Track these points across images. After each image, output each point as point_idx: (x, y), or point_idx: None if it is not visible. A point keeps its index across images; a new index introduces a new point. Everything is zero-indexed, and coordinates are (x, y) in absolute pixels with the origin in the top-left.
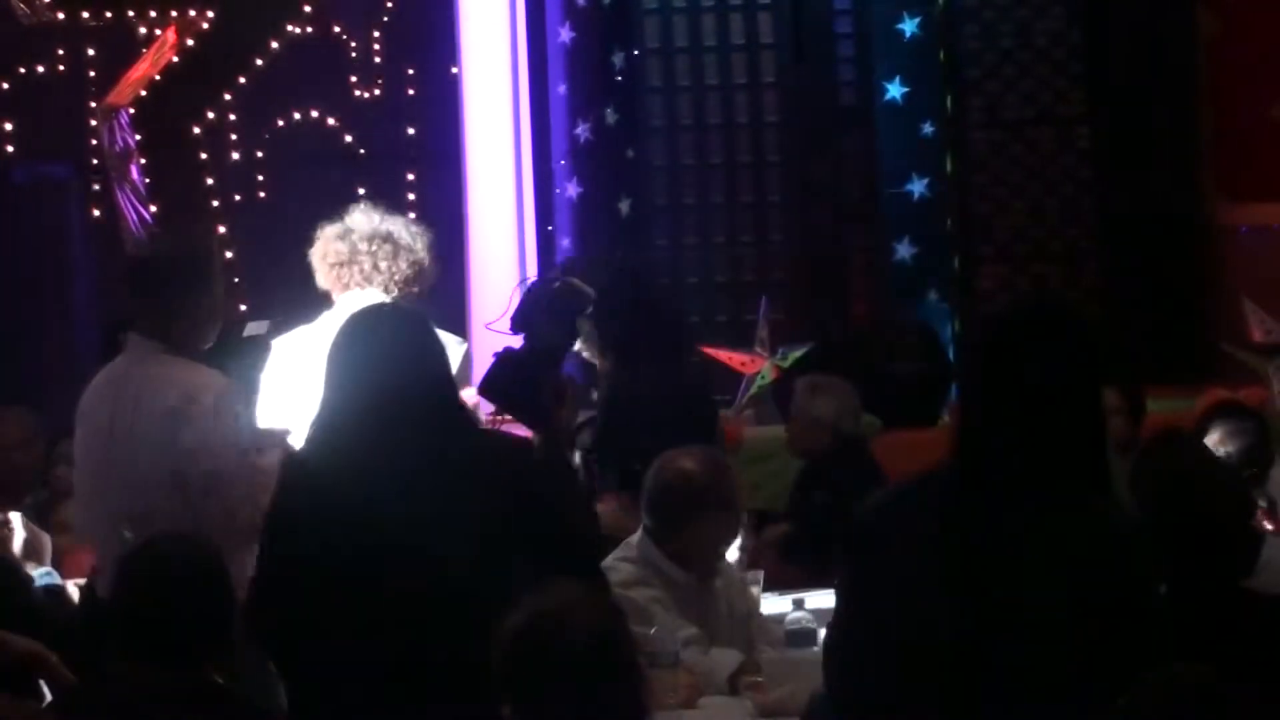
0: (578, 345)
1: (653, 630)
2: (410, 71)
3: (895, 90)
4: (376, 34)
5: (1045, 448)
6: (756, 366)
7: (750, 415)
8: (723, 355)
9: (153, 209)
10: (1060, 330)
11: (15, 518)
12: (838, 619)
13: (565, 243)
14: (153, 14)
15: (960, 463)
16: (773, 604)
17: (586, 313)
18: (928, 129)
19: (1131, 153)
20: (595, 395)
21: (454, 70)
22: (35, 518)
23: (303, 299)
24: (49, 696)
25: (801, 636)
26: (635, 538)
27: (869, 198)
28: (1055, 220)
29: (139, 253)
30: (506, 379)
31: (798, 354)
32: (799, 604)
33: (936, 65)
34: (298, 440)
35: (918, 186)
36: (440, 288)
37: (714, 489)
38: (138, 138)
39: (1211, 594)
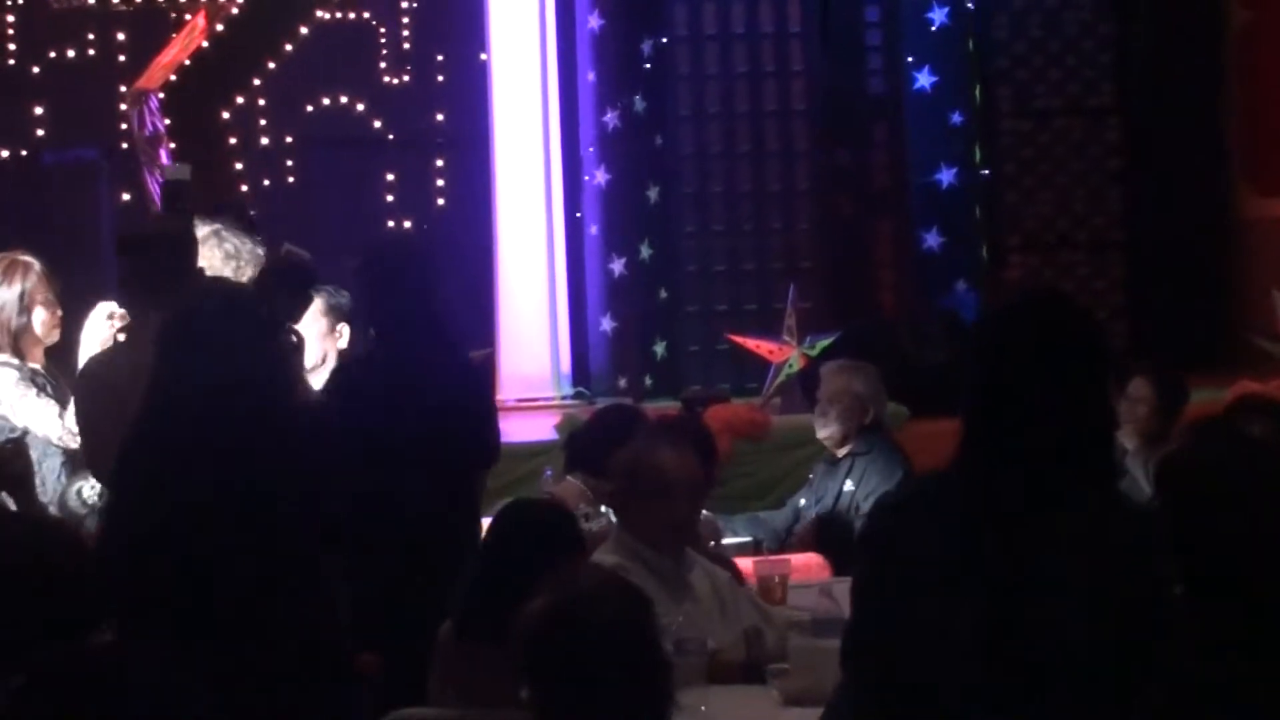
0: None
1: (679, 617)
2: (439, 58)
3: (924, 79)
4: (406, 20)
5: (1048, 443)
6: (784, 355)
7: (777, 404)
8: (750, 343)
9: None
10: (1056, 324)
11: None
12: (853, 617)
13: (593, 230)
14: None
15: (967, 460)
16: (800, 595)
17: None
18: (956, 118)
19: (1159, 143)
20: None
21: (483, 57)
22: None
23: (328, 283)
24: None
25: (828, 625)
26: (605, 527)
27: (897, 187)
28: (1083, 210)
29: (126, 229)
30: None
31: (825, 342)
32: (826, 592)
33: (965, 55)
34: None
35: (946, 176)
36: (468, 275)
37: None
38: (167, 122)
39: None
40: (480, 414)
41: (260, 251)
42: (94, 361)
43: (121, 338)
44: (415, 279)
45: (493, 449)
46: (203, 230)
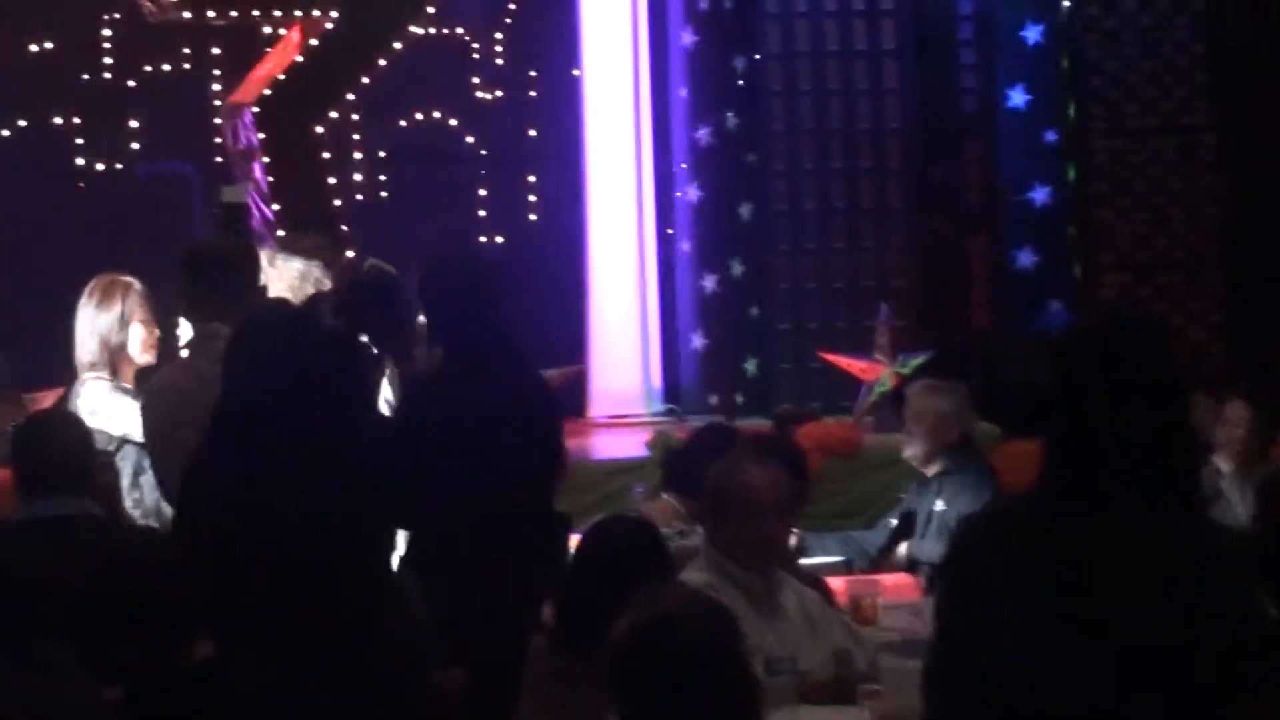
0: None
1: (770, 636)
2: (532, 73)
3: (1018, 97)
4: (499, 36)
5: (1129, 464)
6: (876, 373)
7: (870, 422)
8: (842, 362)
9: (275, 207)
10: (1132, 344)
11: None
12: (935, 637)
13: (685, 246)
14: (277, 13)
15: (1051, 480)
16: (892, 615)
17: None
18: (1050, 137)
19: (1255, 161)
20: None
21: (575, 73)
22: None
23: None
24: None
25: (919, 645)
26: (700, 545)
27: (991, 205)
28: (1178, 229)
29: (190, 247)
30: None
31: (918, 361)
32: (918, 612)
33: (1059, 73)
34: None
35: (1040, 194)
36: (559, 291)
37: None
38: (261, 136)
39: None
40: (551, 427)
41: (317, 274)
42: (158, 377)
43: (185, 354)
44: (478, 294)
45: (561, 463)
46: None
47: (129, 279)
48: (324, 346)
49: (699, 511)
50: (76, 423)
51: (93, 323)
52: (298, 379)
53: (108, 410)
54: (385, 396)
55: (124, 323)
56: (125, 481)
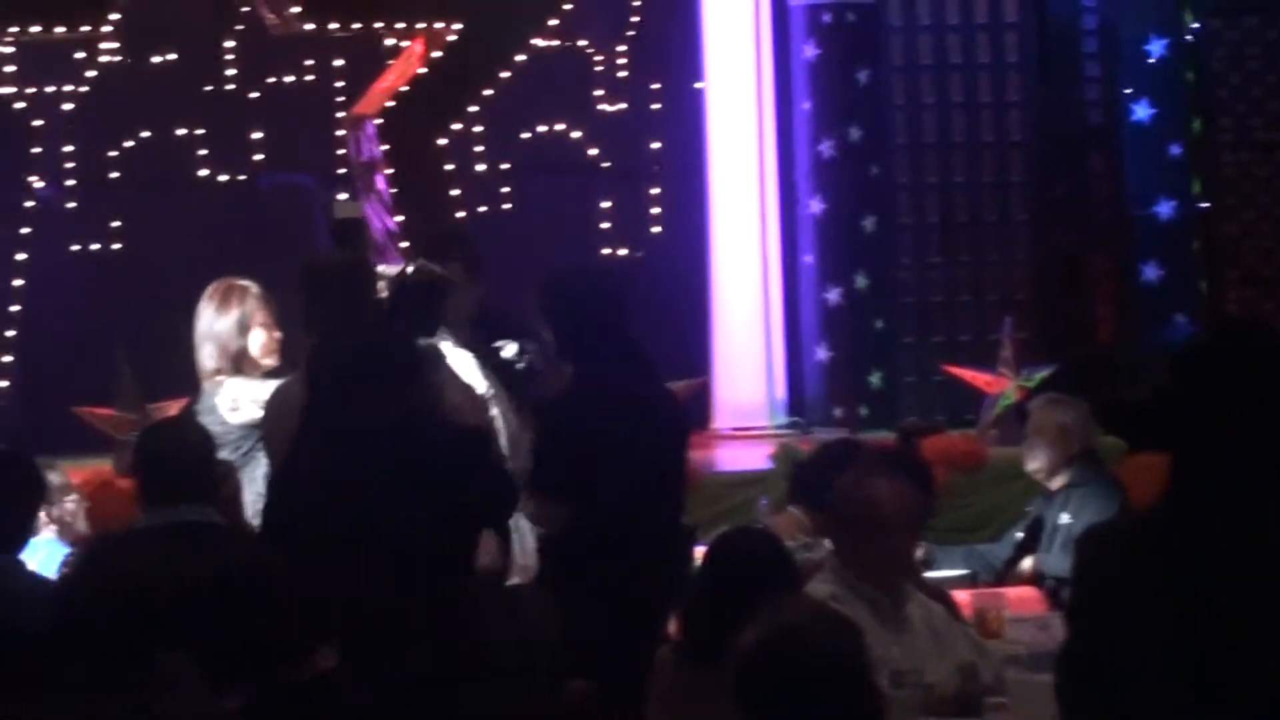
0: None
1: (895, 649)
2: (655, 86)
3: (1142, 111)
4: (622, 48)
5: (1252, 476)
6: (1000, 386)
7: (994, 436)
8: (966, 375)
9: (398, 219)
10: (1252, 357)
11: None
12: (1063, 651)
13: (808, 259)
14: (400, 25)
15: (1176, 493)
16: (1017, 629)
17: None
18: (1175, 150)
19: None
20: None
21: (698, 85)
22: None
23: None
24: None
25: (1045, 659)
26: (824, 558)
27: (1115, 219)
28: None
29: (307, 260)
30: None
31: (1042, 375)
32: (1043, 626)
33: (1184, 86)
34: None
35: (1165, 208)
36: (682, 303)
37: (897, 512)
38: (384, 148)
39: None
40: (684, 440)
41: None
42: (278, 389)
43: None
44: (605, 306)
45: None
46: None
47: (246, 282)
48: (401, 358)
49: (824, 525)
50: (199, 431)
51: (211, 327)
52: (376, 391)
53: (249, 403)
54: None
55: (243, 327)
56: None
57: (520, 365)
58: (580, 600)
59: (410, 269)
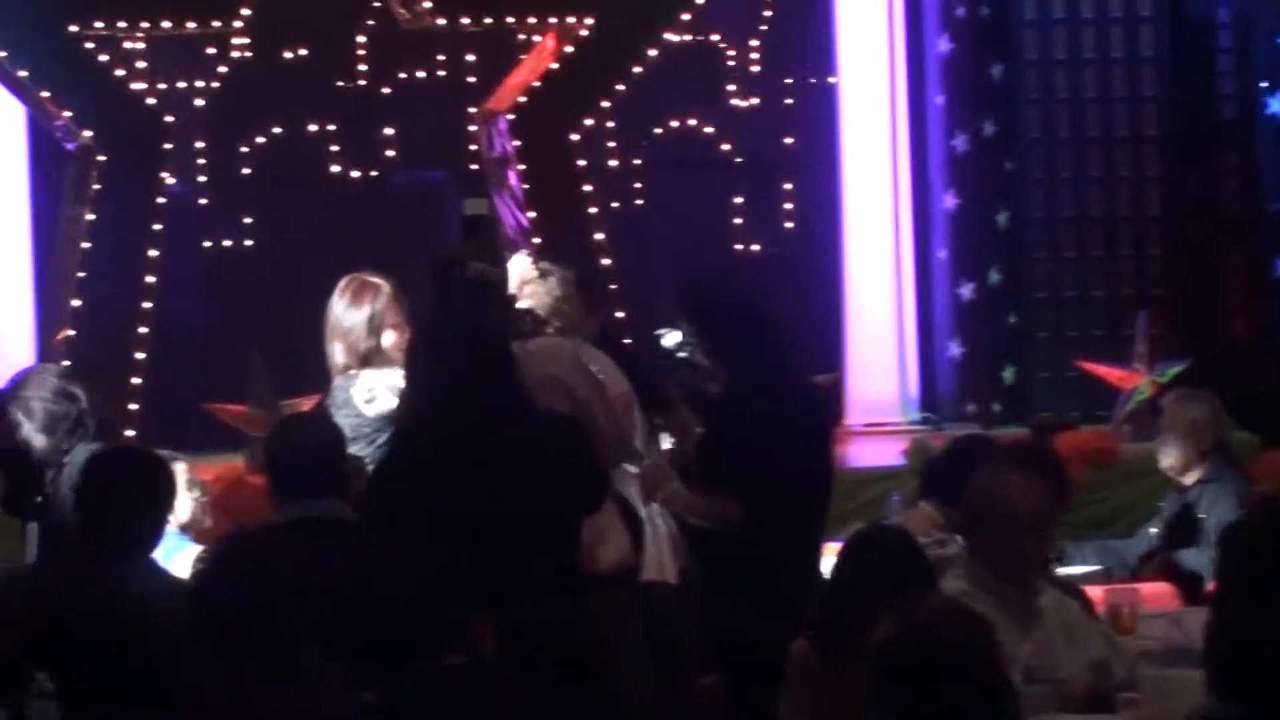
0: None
1: (1028, 645)
2: (788, 80)
3: (1277, 104)
4: (754, 43)
5: None
6: (1134, 382)
7: (1127, 431)
8: (1100, 370)
9: (530, 215)
10: None
11: None
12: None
13: (941, 254)
14: (532, 20)
15: None
16: (1151, 625)
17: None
18: None
19: None
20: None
21: (831, 80)
22: None
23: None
24: None
25: (1179, 655)
26: (957, 554)
27: (1249, 213)
28: None
29: (433, 256)
30: None
31: (1176, 370)
32: (1177, 622)
33: None
34: None
35: None
36: (815, 299)
37: (1031, 509)
38: (516, 143)
39: None
40: (833, 435)
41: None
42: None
43: None
44: (751, 306)
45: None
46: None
47: (378, 280)
48: (497, 363)
49: (957, 520)
50: (330, 426)
51: (341, 323)
52: (473, 385)
53: (385, 392)
54: None
55: (374, 326)
56: None
57: (682, 354)
58: (734, 595)
59: (467, 266)
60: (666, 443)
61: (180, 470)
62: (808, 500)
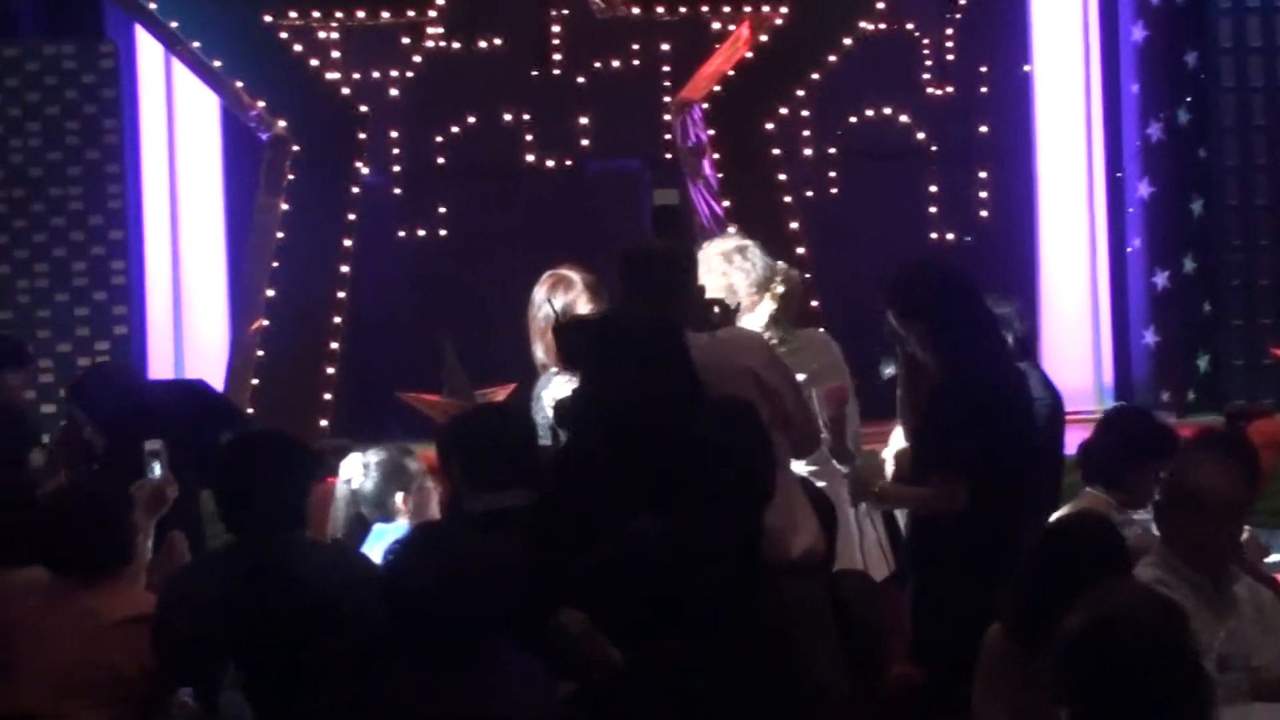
0: None
1: (1222, 634)
2: (983, 69)
3: None
4: (949, 31)
5: None
6: None
7: None
8: None
9: (725, 204)
10: None
11: None
12: None
13: (1136, 243)
14: (727, 9)
15: None
16: None
17: None
18: None
19: None
20: None
21: (1026, 68)
22: None
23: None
24: None
25: None
26: (1130, 537)
27: None
28: None
29: (627, 247)
30: None
31: None
32: None
33: None
34: None
35: None
36: (1010, 287)
37: (1226, 498)
38: (710, 133)
39: None
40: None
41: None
42: None
43: None
44: (970, 295)
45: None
46: (727, 245)
47: (572, 274)
48: (667, 356)
49: (1125, 500)
50: (520, 417)
51: (535, 319)
52: (649, 382)
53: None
54: None
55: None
56: None
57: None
58: (952, 585)
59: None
60: None
61: (413, 462)
62: (1033, 485)
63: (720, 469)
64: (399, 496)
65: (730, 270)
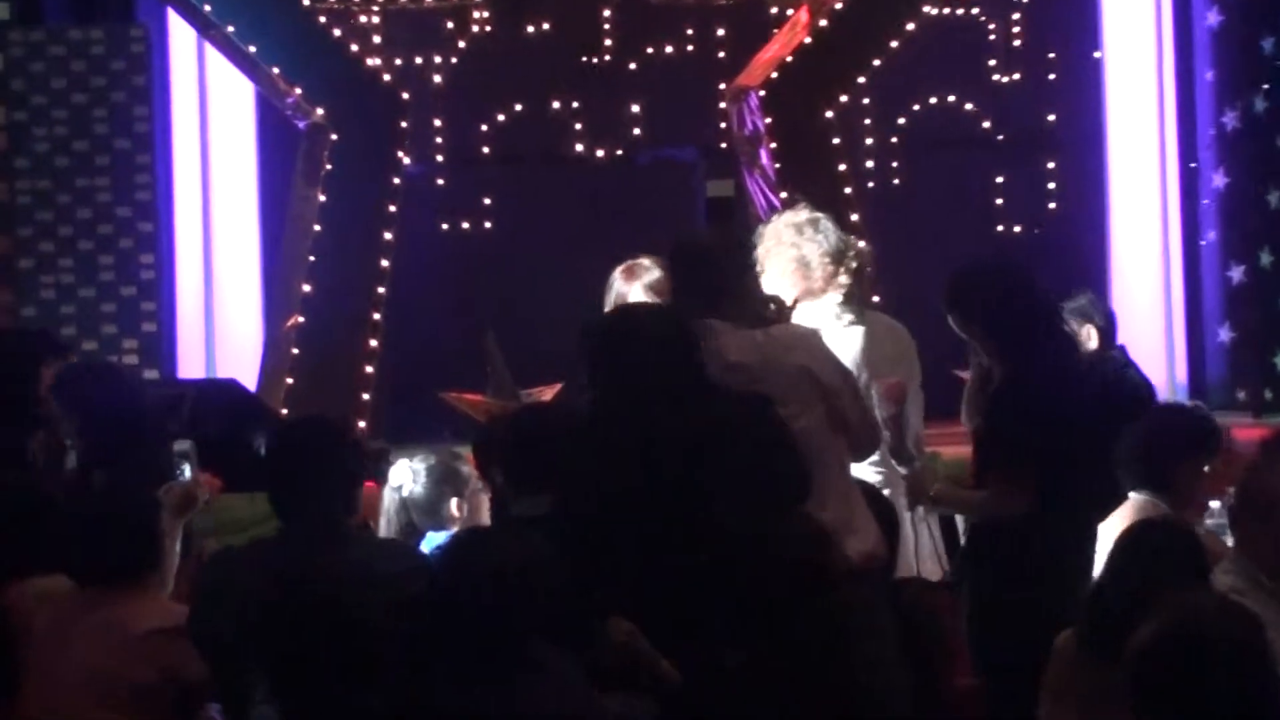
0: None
1: None
2: (1051, 56)
3: None
4: (1016, 16)
5: None
6: None
7: None
8: None
9: (782, 195)
10: None
11: None
12: None
13: (1210, 235)
14: None
15: None
16: None
17: None
18: None
19: None
20: None
21: (1096, 55)
22: None
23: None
24: None
25: None
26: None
27: None
28: None
29: (679, 239)
30: None
31: None
32: None
33: None
34: None
35: None
36: (1080, 281)
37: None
38: (767, 121)
39: None
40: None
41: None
42: None
43: None
44: (1034, 296)
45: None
46: (799, 217)
47: (643, 265)
48: (677, 349)
49: (1177, 504)
50: (566, 418)
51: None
52: (660, 378)
53: None
54: None
55: None
56: None
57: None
58: (1012, 591)
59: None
60: None
61: (465, 466)
62: (1098, 487)
63: (728, 465)
64: (453, 502)
65: (801, 241)
